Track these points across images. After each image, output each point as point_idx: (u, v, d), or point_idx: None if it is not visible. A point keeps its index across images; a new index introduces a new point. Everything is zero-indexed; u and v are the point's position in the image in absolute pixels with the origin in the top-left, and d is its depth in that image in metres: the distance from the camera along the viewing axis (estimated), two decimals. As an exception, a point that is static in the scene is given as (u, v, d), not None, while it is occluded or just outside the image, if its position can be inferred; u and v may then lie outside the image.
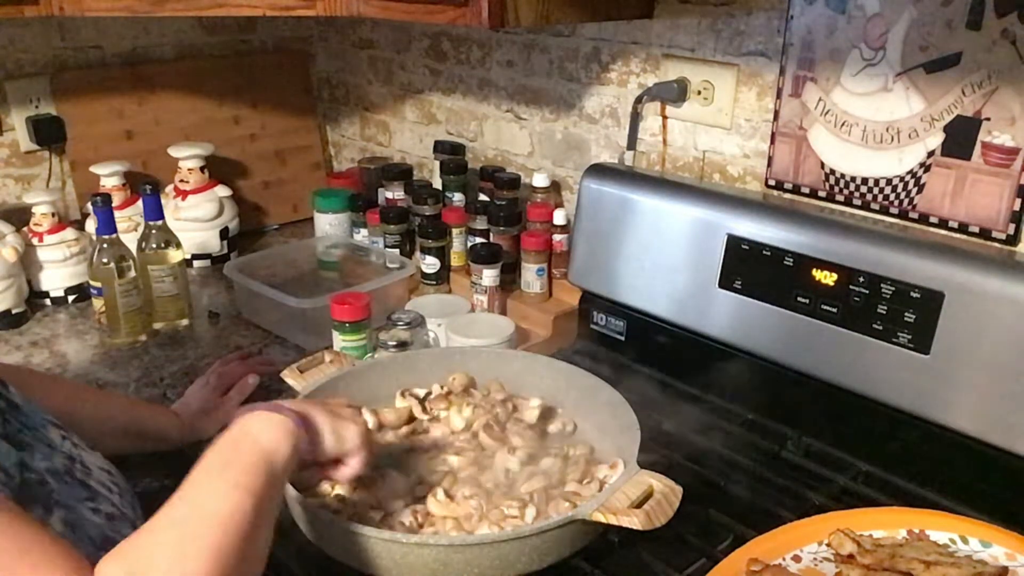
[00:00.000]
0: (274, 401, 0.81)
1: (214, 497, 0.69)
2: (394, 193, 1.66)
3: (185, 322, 1.47)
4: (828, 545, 0.85)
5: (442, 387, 1.11)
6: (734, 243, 1.16)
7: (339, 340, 1.28)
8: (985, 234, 1.05)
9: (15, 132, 1.66)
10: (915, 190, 1.10)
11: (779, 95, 1.20)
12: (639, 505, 0.84)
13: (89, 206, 1.37)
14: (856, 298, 1.05)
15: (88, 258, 1.41)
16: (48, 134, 1.67)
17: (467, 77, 1.69)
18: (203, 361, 1.34)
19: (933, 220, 1.09)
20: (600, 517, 0.83)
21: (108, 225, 1.32)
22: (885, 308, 1.02)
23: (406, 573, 0.83)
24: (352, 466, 0.86)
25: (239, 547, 0.67)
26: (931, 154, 1.07)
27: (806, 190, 1.21)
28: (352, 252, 1.67)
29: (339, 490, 0.93)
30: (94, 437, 0.91)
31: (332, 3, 1.21)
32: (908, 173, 1.10)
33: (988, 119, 1.01)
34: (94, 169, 1.63)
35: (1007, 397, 0.95)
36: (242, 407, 0.87)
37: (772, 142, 1.23)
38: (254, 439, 0.75)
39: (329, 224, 1.72)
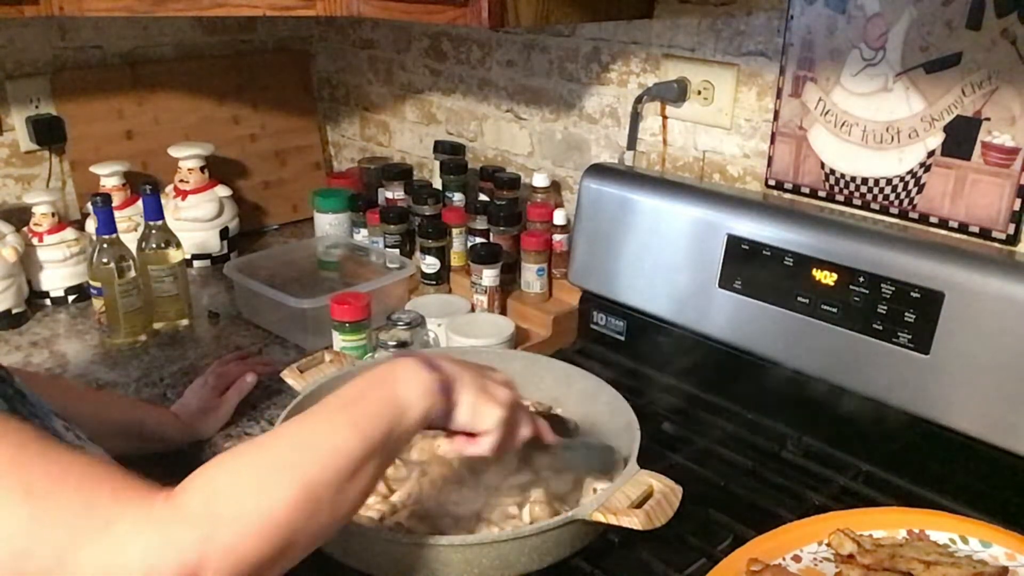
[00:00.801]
0: (431, 355, 0.78)
1: (324, 430, 0.67)
2: (394, 193, 1.66)
3: (185, 322, 1.47)
4: (828, 545, 0.85)
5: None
6: (734, 243, 1.16)
7: (339, 340, 1.28)
8: (985, 234, 1.05)
9: (15, 132, 1.66)
10: (915, 190, 1.10)
11: (779, 95, 1.20)
12: (639, 505, 0.84)
13: (89, 206, 1.37)
14: (856, 298, 1.05)
15: (88, 258, 1.41)
16: (48, 134, 1.67)
17: (467, 77, 1.69)
18: (203, 361, 1.34)
19: (933, 220, 1.09)
20: (600, 517, 0.83)
21: (108, 225, 1.32)
22: (885, 308, 1.02)
23: (406, 573, 0.83)
24: (480, 446, 0.81)
25: (333, 487, 0.64)
26: (931, 154, 1.07)
27: (806, 190, 1.21)
28: (352, 252, 1.67)
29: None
30: (94, 437, 0.91)
31: (332, 3, 1.21)
32: (908, 173, 1.10)
33: (988, 119, 1.01)
34: (94, 169, 1.63)
35: (1007, 397, 0.95)
36: (400, 352, 0.84)
37: (772, 142, 1.23)
38: (392, 388, 0.72)
39: (329, 224, 1.72)
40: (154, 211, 1.38)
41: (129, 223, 1.59)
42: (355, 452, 0.66)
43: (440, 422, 0.78)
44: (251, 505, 0.61)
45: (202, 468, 0.63)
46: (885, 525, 0.87)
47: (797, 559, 0.85)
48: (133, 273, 1.37)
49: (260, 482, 0.62)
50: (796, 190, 1.22)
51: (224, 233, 1.74)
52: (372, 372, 0.73)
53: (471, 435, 0.81)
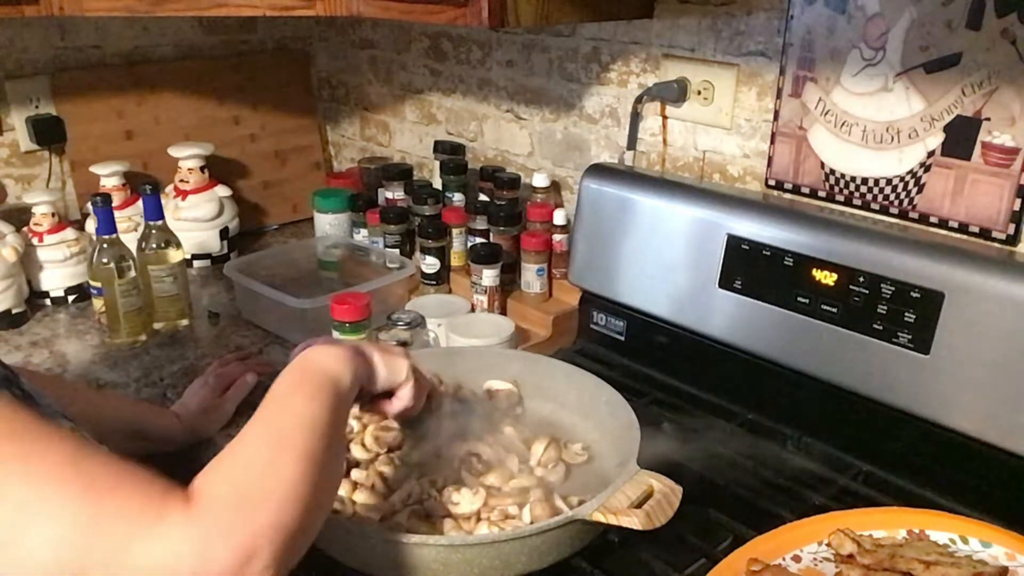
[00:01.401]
0: (330, 340, 0.84)
1: (292, 410, 0.72)
2: (394, 193, 1.66)
3: (185, 322, 1.47)
4: (828, 545, 0.85)
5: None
6: (734, 243, 1.16)
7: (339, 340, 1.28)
8: (985, 234, 1.05)
9: (15, 132, 1.66)
10: (915, 190, 1.10)
11: (779, 95, 1.20)
12: (639, 505, 0.84)
13: (89, 206, 1.37)
14: (856, 298, 1.05)
15: (88, 258, 1.41)
16: (48, 134, 1.67)
17: (467, 77, 1.69)
18: (203, 361, 1.34)
19: (933, 220, 1.09)
20: (600, 517, 0.83)
21: (108, 225, 1.32)
22: (885, 308, 1.02)
23: (406, 573, 0.83)
24: (403, 398, 0.90)
25: (325, 452, 0.69)
26: (931, 154, 1.07)
27: (806, 190, 1.21)
28: (352, 252, 1.67)
29: (339, 490, 0.92)
30: (95, 437, 0.91)
31: (332, 3, 1.21)
32: (908, 173, 1.10)
33: (988, 119, 1.01)
34: (94, 169, 1.63)
35: (1007, 397, 0.95)
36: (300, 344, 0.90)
37: (772, 142, 1.23)
38: (318, 365, 0.78)
39: (329, 224, 1.72)
40: (154, 211, 1.38)
41: (129, 223, 1.59)
42: (326, 418, 0.72)
43: (367, 382, 0.85)
44: (272, 483, 0.64)
45: (209, 467, 0.65)
46: (885, 525, 0.87)
47: (797, 559, 0.85)
48: (133, 273, 1.37)
49: (270, 463, 0.66)
50: (796, 190, 1.22)
51: (224, 233, 1.74)
52: (291, 368, 0.79)
53: (387, 398, 0.90)
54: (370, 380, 0.85)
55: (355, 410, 0.98)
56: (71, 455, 0.60)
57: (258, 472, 0.65)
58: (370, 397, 0.88)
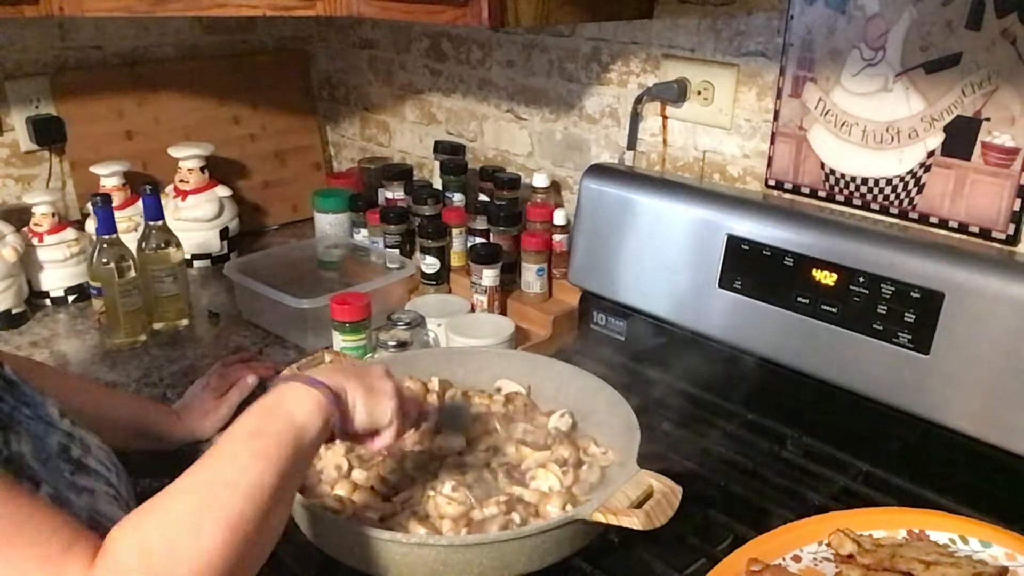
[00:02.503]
0: (310, 374, 0.80)
1: (237, 466, 0.68)
2: (394, 193, 1.66)
3: (185, 322, 1.47)
4: (828, 545, 0.85)
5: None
6: (734, 243, 1.16)
7: (339, 340, 1.28)
8: (985, 234, 1.05)
9: (15, 132, 1.66)
10: (915, 190, 1.10)
11: (779, 95, 1.20)
12: (639, 505, 0.84)
13: (89, 206, 1.37)
14: (856, 298, 1.05)
15: (88, 258, 1.41)
16: (48, 134, 1.67)
17: (467, 77, 1.69)
18: (203, 361, 1.34)
19: (933, 220, 1.09)
20: (600, 517, 0.83)
21: (108, 225, 1.32)
22: (885, 308, 1.02)
23: (406, 573, 0.83)
24: (384, 438, 0.85)
25: (258, 520, 0.66)
26: (931, 154, 1.07)
27: (806, 190, 1.21)
28: (352, 252, 1.67)
29: (339, 490, 0.93)
30: (95, 430, 0.91)
31: (332, 3, 1.21)
32: (908, 173, 1.10)
33: (988, 119, 1.01)
34: (94, 169, 1.63)
35: (1007, 397, 0.95)
36: (280, 377, 0.87)
37: (772, 142, 1.23)
38: (288, 411, 0.74)
39: (329, 224, 1.72)
40: (154, 211, 1.38)
41: (129, 223, 1.59)
42: (270, 482, 0.68)
43: (342, 430, 0.80)
44: (185, 554, 0.61)
45: (127, 520, 0.62)
46: (885, 525, 0.87)
47: (797, 559, 0.85)
48: (133, 273, 1.37)
49: (189, 529, 0.62)
50: (796, 190, 1.22)
51: (224, 233, 1.74)
52: (261, 403, 0.75)
53: (372, 434, 0.85)
54: (346, 425, 0.81)
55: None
56: None
57: (174, 535, 0.61)
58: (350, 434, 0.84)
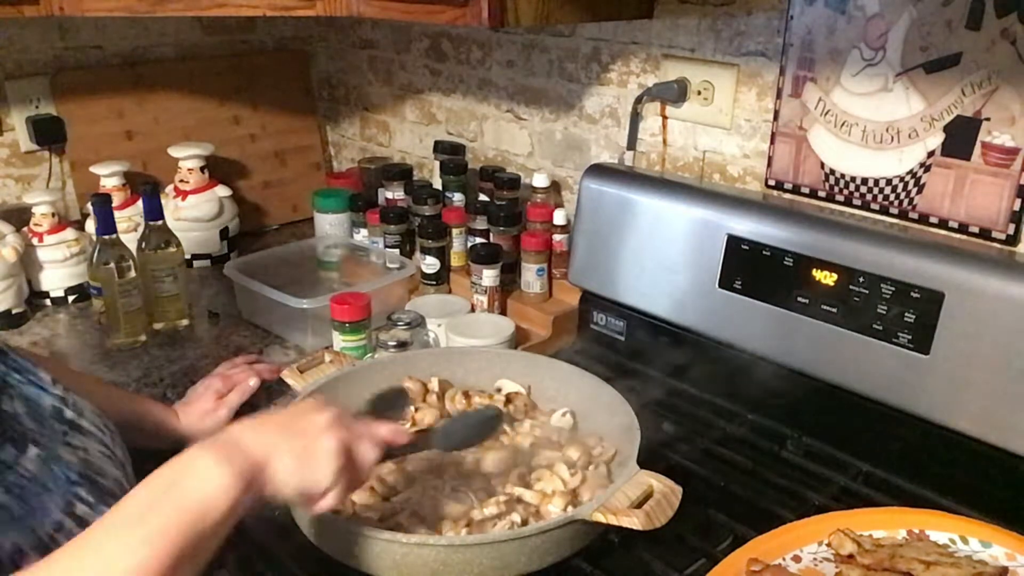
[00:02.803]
0: (237, 439, 0.72)
1: (118, 553, 0.62)
2: (394, 193, 1.66)
3: (185, 322, 1.47)
4: (828, 545, 0.85)
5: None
6: (734, 243, 1.16)
7: (339, 340, 1.28)
8: (985, 234, 1.05)
9: (15, 132, 1.66)
10: (915, 190, 1.10)
11: (779, 95, 1.20)
12: (639, 505, 0.84)
13: (89, 206, 1.37)
14: (856, 298, 1.05)
15: (88, 258, 1.41)
16: (48, 134, 1.67)
17: (467, 77, 1.69)
18: (203, 361, 1.34)
19: (933, 220, 1.09)
20: (600, 517, 0.83)
21: (108, 225, 1.32)
22: (885, 308, 1.02)
23: (406, 573, 0.83)
24: (327, 500, 0.76)
25: None
26: (931, 154, 1.07)
27: (806, 190, 1.21)
28: (352, 252, 1.67)
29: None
30: None
31: (332, 3, 1.21)
32: (908, 173, 1.10)
33: (988, 119, 1.01)
34: (94, 169, 1.63)
35: (1007, 397, 0.95)
36: (234, 420, 0.83)
37: (772, 142, 1.23)
38: (186, 492, 0.66)
39: (329, 224, 1.72)
40: (154, 211, 1.38)
41: (129, 223, 1.59)
42: (155, 571, 0.61)
43: (265, 501, 0.72)
44: None
45: None
46: (885, 525, 0.87)
47: (797, 559, 0.85)
48: (133, 273, 1.37)
49: None
50: (796, 190, 1.22)
51: (224, 233, 1.74)
52: (164, 472, 0.68)
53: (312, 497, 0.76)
54: (273, 497, 0.72)
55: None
56: None
57: None
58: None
